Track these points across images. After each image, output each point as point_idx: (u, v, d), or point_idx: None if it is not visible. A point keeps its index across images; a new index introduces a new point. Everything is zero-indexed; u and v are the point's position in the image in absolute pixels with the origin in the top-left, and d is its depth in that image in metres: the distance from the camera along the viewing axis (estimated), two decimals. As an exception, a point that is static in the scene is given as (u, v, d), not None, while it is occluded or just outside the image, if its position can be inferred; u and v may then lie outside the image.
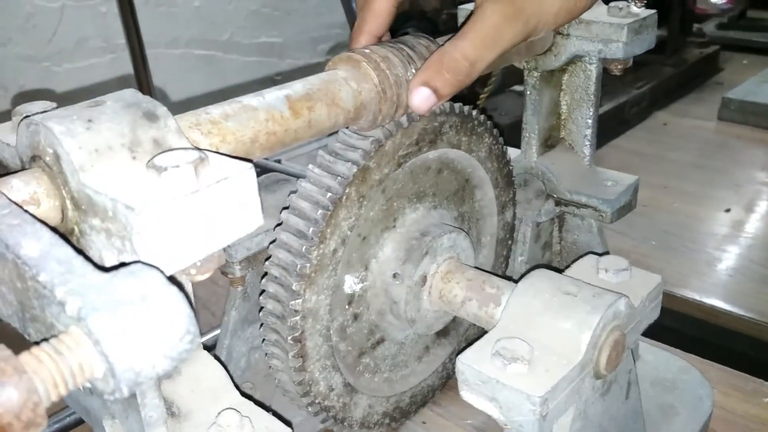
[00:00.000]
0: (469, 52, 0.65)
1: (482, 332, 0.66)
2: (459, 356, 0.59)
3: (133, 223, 0.42)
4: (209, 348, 0.73)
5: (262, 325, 0.71)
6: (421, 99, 0.64)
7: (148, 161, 0.45)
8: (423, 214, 0.79)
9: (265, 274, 0.69)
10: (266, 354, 0.72)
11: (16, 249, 0.40)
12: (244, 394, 0.60)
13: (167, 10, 2.09)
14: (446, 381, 0.91)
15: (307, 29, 2.48)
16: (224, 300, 0.88)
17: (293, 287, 0.65)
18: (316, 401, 0.72)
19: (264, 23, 2.37)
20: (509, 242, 0.93)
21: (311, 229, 0.65)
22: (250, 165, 0.47)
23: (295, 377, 0.69)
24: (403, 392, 0.84)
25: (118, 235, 0.44)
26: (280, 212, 0.69)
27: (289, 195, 0.68)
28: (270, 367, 0.73)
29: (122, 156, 0.47)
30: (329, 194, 0.65)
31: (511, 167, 0.88)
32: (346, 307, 0.73)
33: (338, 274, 0.70)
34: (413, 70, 0.66)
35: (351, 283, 0.73)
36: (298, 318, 0.66)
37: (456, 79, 0.65)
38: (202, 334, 0.67)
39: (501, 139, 0.85)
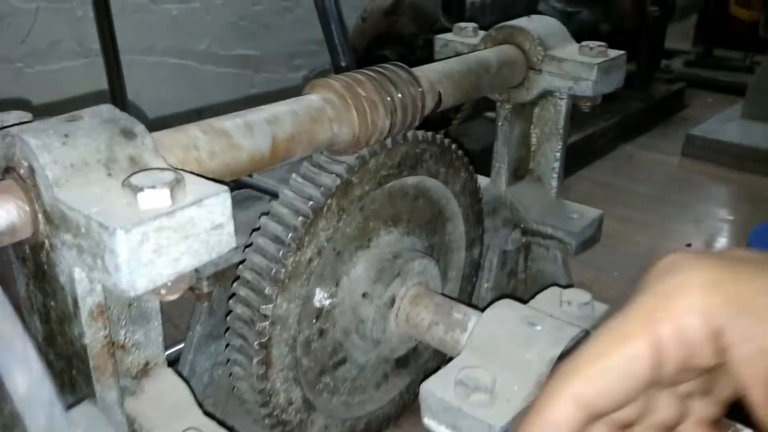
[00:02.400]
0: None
1: (439, 367, 0.66)
2: (423, 383, 0.60)
3: (106, 241, 0.42)
4: (172, 362, 0.73)
5: (227, 329, 0.70)
6: None
7: (124, 180, 0.45)
8: (396, 238, 0.80)
9: (237, 278, 0.69)
10: (228, 360, 0.71)
11: (5, 373, 0.39)
12: (206, 413, 0.60)
13: (144, 17, 2.08)
14: (402, 412, 0.91)
15: (284, 44, 2.48)
16: (188, 313, 0.87)
17: (266, 291, 0.66)
18: (274, 413, 0.72)
19: (241, 36, 2.36)
20: (474, 279, 0.94)
21: (290, 234, 0.66)
22: (225, 187, 0.48)
23: (256, 385, 0.69)
24: (359, 417, 0.84)
25: (90, 252, 0.44)
26: (251, 232, 0.69)
27: (260, 216, 0.69)
28: (230, 374, 0.72)
29: (98, 172, 0.47)
30: (311, 203, 0.66)
31: (482, 206, 0.91)
32: (314, 321, 0.74)
33: (310, 285, 0.71)
34: (389, 99, 0.67)
35: (321, 297, 0.73)
36: (267, 323, 0.66)
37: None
38: (165, 347, 0.66)
39: (475, 177, 0.88)
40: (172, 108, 2.16)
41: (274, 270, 0.65)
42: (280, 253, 0.65)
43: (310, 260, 0.68)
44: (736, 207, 1.81)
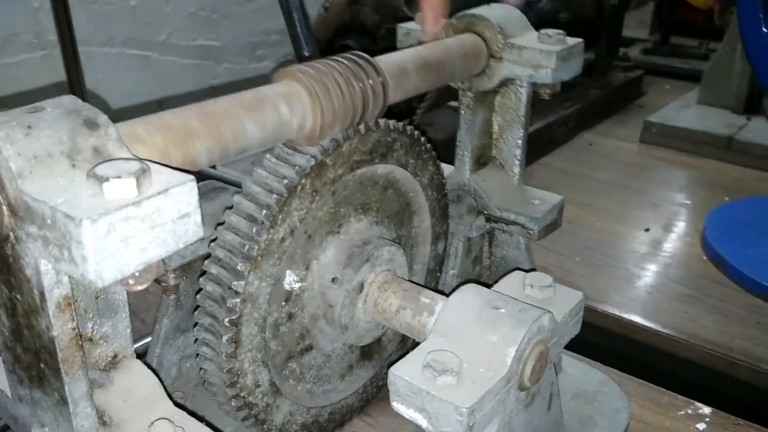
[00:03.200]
0: None
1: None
2: (391, 367, 0.61)
3: (73, 232, 0.42)
4: (140, 356, 0.73)
5: (197, 308, 0.70)
6: None
7: (89, 170, 0.45)
8: (366, 227, 0.81)
9: (208, 255, 0.69)
10: (196, 340, 0.71)
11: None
12: (177, 404, 0.60)
13: (102, 8, 2.04)
14: (365, 405, 0.92)
15: (246, 34, 2.47)
16: (154, 307, 0.87)
17: (238, 267, 0.66)
18: (241, 394, 0.71)
19: (202, 26, 2.34)
20: (438, 275, 0.96)
21: (264, 212, 0.66)
22: (191, 177, 0.48)
23: (225, 364, 0.69)
24: (323, 407, 0.84)
25: (56, 243, 0.44)
26: (216, 224, 0.69)
27: (225, 211, 0.69)
28: (198, 355, 0.72)
29: (62, 164, 0.47)
30: (285, 181, 0.67)
31: (448, 201, 0.92)
32: (283, 303, 0.74)
33: (282, 266, 0.71)
34: (353, 88, 0.68)
35: (291, 280, 0.74)
36: (238, 300, 0.66)
37: None
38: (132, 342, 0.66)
39: (442, 171, 0.89)
40: (132, 100, 2.14)
41: (247, 246, 0.65)
42: (254, 230, 0.66)
43: (283, 239, 0.69)
44: (693, 191, 1.86)
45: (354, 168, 0.75)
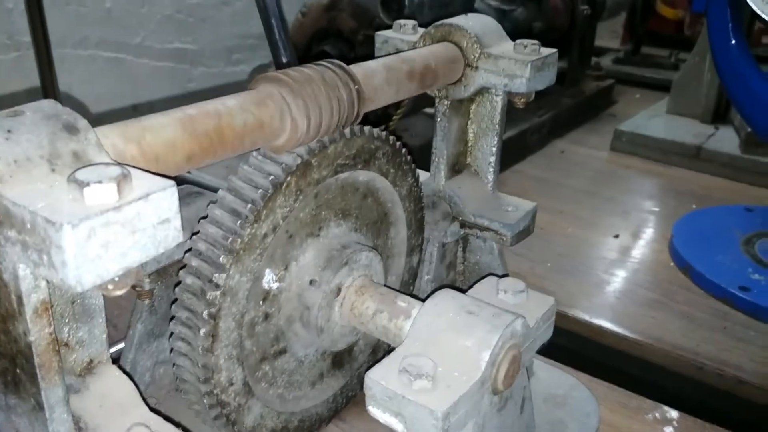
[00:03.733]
0: None
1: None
2: (367, 372, 0.62)
3: (53, 236, 0.42)
4: (113, 362, 0.72)
5: (174, 301, 0.70)
6: None
7: (70, 175, 0.45)
8: (345, 232, 0.82)
9: (189, 250, 0.69)
10: (171, 334, 0.71)
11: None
12: (152, 409, 0.61)
13: (76, 9, 2.02)
14: (334, 415, 0.92)
15: (222, 37, 2.46)
16: (127, 313, 0.87)
17: (220, 260, 0.66)
18: (215, 391, 0.71)
19: (178, 29, 2.33)
20: (411, 288, 0.97)
21: (248, 206, 0.67)
22: (172, 182, 0.48)
23: (200, 359, 0.68)
24: (293, 413, 0.84)
25: (35, 248, 0.44)
26: (193, 229, 0.69)
27: (205, 209, 0.69)
28: (172, 350, 0.71)
29: (41, 168, 0.47)
30: (272, 177, 0.68)
31: (424, 214, 0.94)
32: (260, 302, 0.74)
33: (262, 263, 0.71)
34: (331, 95, 0.69)
35: (270, 279, 0.74)
36: (218, 293, 0.66)
37: None
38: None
39: (420, 184, 0.91)
40: (106, 103, 2.12)
41: (230, 239, 0.66)
42: (237, 223, 0.66)
43: (265, 235, 0.69)
44: (662, 199, 1.90)
45: (338, 171, 0.76)
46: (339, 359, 0.88)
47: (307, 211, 0.76)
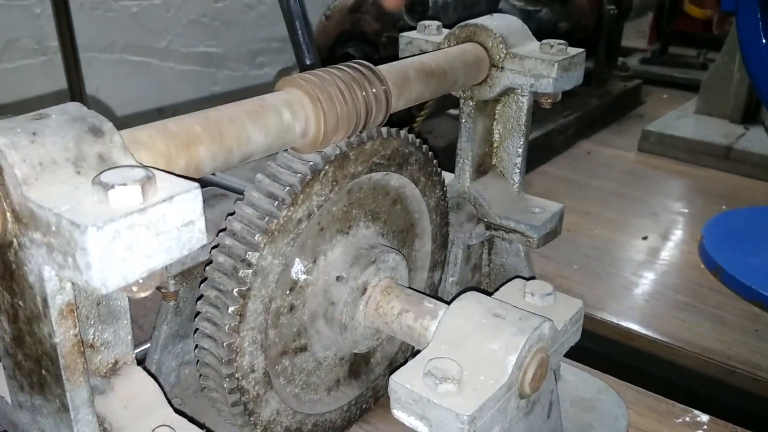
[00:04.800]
0: None
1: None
2: (392, 375, 0.61)
3: (78, 239, 0.42)
4: (138, 363, 0.73)
5: (203, 281, 0.70)
6: None
7: (95, 177, 0.45)
8: (372, 235, 0.82)
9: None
10: (198, 314, 0.70)
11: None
12: (177, 411, 0.61)
13: (103, 14, 2.05)
14: (347, 426, 0.91)
15: (247, 41, 2.47)
16: (152, 314, 0.87)
17: (255, 238, 0.66)
18: (236, 375, 0.71)
19: (203, 33, 2.35)
20: None
21: (287, 189, 0.67)
22: (196, 184, 0.48)
23: (225, 338, 0.68)
24: (308, 415, 0.84)
25: (60, 250, 0.44)
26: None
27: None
28: (196, 330, 0.71)
29: (66, 171, 0.47)
30: (311, 164, 0.69)
31: (449, 230, 0.94)
32: (287, 292, 0.74)
33: (294, 249, 0.71)
34: (357, 96, 0.68)
35: (299, 269, 0.74)
36: (250, 272, 0.66)
37: None
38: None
39: (447, 199, 0.92)
40: (132, 106, 2.14)
41: (266, 219, 0.66)
42: (275, 204, 0.67)
43: (300, 221, 0.70)
44: (691, 200, 1.87)
45: (372, 169, 0.77)
46: (356, 368, 0.88)
47: (339, 206, 0.76)
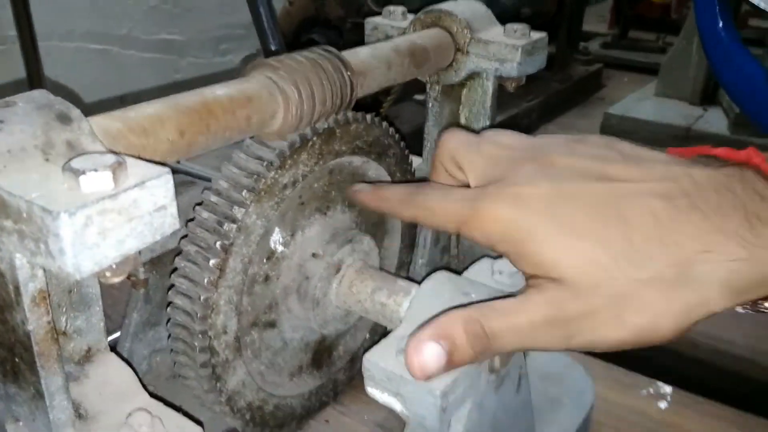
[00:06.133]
0: (496, 331, 0.54)
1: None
2: (366, 354, 0.62)
3: (50, 225, 0.42)
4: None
5: (184, 237, 0.69)
6: (431, 356, 0.54)
7: (65, 164, 0.45)
8: (348, 220, 0.83)
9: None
10: (174, 270, 0.70)
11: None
12: (153, 395, 0.61)
13: (62, 1, 2.01)
14: (306, 415, 0.90)
15: (209, 28, 2.45)
16: (120, 303, 0.87)
17: (242, 195, 0.66)
18: (209, 333, 0.70)
19: (164, 19, 2.31)
20: None
21: (276, 152, 0.68)
22: (167, 169, 0.48)
23: (203, 293, 0.67)
24: (270, 395, 0.83)
25: (32, 237, 0.44)
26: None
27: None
28: (171, 287, 0.70)
29: (35, 158, 0.47)
30: (299, 133, 0.70)
31: (416, 231, 0.96)
32: (265, 260, 0.75)
33: (276, 216, 0.72)
34: (323, 82, 0.69)
35: (277, 239, 0.75)
36: (234, 227, 0.67)
37: (473, 349, 0.54)
38: (104, 335, 0.65)
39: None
40: (93, 94, 2.10)
41: (254, 178, 0.67)
42: (264, 164, 0.67)
43: (285, 186, 0.70)
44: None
45: (354, 152, 0.78)
46: (318, 358, 0.88)
47: (321, 184, 0.78)
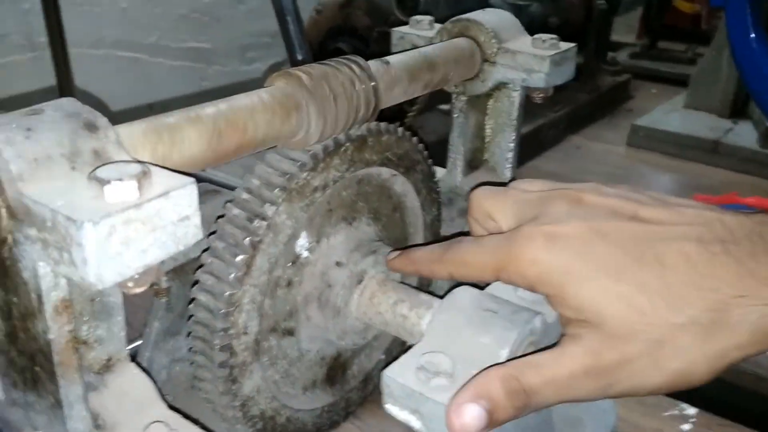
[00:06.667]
0: (534, 387, 0.55)
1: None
2: (385, 370, 0.61)
3: (74, 234, 0.42)
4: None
5: (212, 233, 0.68)
6: (472, 419, 0.53)
7: (90, 173, 0.45)
8: (373, 233, 0.83)
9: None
10: (199, 267, 0.69)
11: None
12: (171, 407, 0.61)
13: (92, 9, 2.03)
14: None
15: (237, 36, 2.46)
16: (141, 311, 0.87)
17: (274, 193, 0.66)
18: (230, 332, 0.68)
19: (193, 28, 2.34)
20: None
21: (310, 154, 0.68)
22: (192, 179, 0.48)
23: (228, 288, 0.66)
24: (283, 406, 0.81)
25: (55, 246, 0.44)
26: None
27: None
28: (196, 282, 0.69)
29: (62, 166, 0.47)
30: (335, 137, 0.70)
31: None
32: (289, 264, 0.74)
33: (305, 218, 0.71)
34: (350, 91, 0.69)
35: (303, 244, 0.74)
36: (264, 224, 0.66)
37: (513, 406, 0.54)
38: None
39: (440, 224, 0.93)
40: (121, 102, 2.13)
41: (287, 177, 0.67)
42: (298, 164, 0.67)
43: (315, 189, 0.70)
44: (680, 194, 1.84)
45: (384, 163, 0.78)
46: (333, 375, 0.87)
47: (349, 192, 0.77)
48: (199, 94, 2.39)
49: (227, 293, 0.67)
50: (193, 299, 0.71)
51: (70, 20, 1.65)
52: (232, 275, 0.66)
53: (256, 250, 0.67)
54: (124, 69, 2.16)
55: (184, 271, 0.82)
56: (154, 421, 0.58)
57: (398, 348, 0.95)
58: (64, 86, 1.63)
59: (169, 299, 0.83)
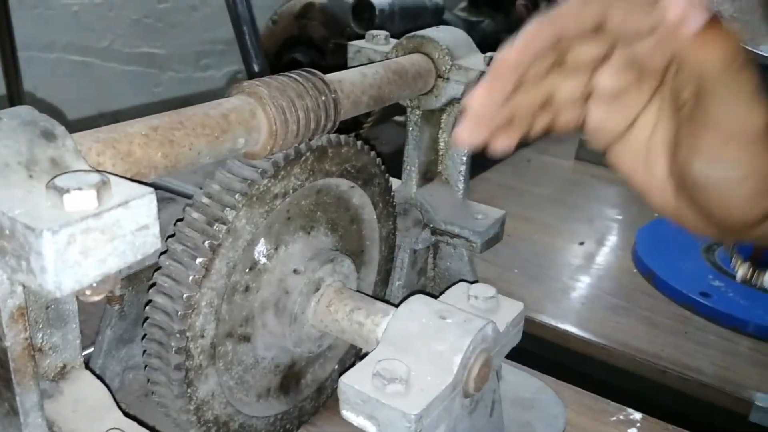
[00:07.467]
0: None
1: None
2: (342, 377, 0.63)
3: (33, 243, 0.42)
4: (84, 367, 0.72)
5: (170, 236, 0.68)
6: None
7: (49, 182, 0.45)
8: (330, 243, 0.84)
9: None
10: (157, 269, 0.69)
11: None
12: (126, 414, 0.61)
13: (43, 12, 2.00)
14: None
15: (191, 43, 2.45)
16: (94, 318, 0.86)
17: (235, 198, 0.67)
18: (187, 334, 0.68)
19: (146, 33, 2.31)
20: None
21: (271, 161, 0.69)
22: (150, 189, 0.49)
23: (186, 291, 0.66)
24: (237, 412, 0.81)
25: (13, 254, 0.44)
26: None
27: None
28: (152, 286, 0.69)
29: (19, 174, 0.47)
30: (294, 147, 0.71)
31: (392, 266, 0.97)
32: (247, 270, 0.74)
33: (264, 225, 0.72)
34: (308, 104, 0.70)
35: (261, 250, 0.75)
36: (224, 228, 0.67)
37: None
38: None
39: (396, 235, 0.94)
40: (72, 106, 2.09)
41: (248, 183, 0.68)
42: (259, 171, 0.68)
43: (276, 196, 0.71)
44: (625, 207, 1.93)
45: (343, 175, 0.80)
46: (287, 384, 0.88)
47: (308, 202, 0.79)
48: (152, 99, 2.37)
49: (185, 295, 0.67)
50: (149, 302, 0.70)
51: (20, 23, 1.62)
52: (191, 277, 0.67)
53: (215, 254, 0.68)
54: (75, 73, 2.12)
55: (138, 278, 0.82)
56: (110, 429, 0.58)
57: (352, 359, 0.97)
58: (14, 90, 1.60)
59: (122, 307, 0.83)
